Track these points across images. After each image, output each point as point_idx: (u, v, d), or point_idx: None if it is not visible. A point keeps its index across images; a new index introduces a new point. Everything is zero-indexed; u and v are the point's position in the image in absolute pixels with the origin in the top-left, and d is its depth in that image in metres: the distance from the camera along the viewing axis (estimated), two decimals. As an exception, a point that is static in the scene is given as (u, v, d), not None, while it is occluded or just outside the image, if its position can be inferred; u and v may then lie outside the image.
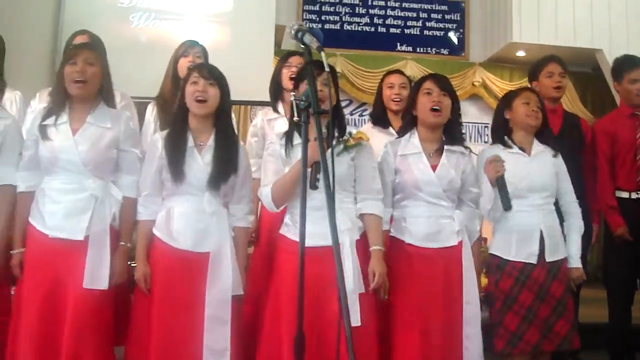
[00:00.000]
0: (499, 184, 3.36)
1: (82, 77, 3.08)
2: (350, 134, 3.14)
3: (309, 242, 2.66)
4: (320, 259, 2.74)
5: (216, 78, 3.16)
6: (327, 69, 2.30)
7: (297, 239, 2.94)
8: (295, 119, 2.39)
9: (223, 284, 3.02)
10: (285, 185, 3.09)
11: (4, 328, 3.13)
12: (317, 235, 2.71)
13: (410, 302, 3.20)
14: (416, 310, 3.17)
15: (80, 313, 2.94)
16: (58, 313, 2.96)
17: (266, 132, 3.99)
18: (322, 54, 2.27)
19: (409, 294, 3.21)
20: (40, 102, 3.91)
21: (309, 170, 2.73)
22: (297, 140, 3.14)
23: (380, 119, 4.31)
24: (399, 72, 4.49)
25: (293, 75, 3.85)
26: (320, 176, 2.72)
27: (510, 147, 3.55)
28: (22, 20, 5.62)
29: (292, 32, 2.42)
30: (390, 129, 4.16)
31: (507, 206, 3.35)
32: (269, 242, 3.43)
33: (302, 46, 2.40)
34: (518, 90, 3.76)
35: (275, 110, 4.04)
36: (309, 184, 2.71)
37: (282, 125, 3.76)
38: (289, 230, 3.14)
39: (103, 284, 2.98)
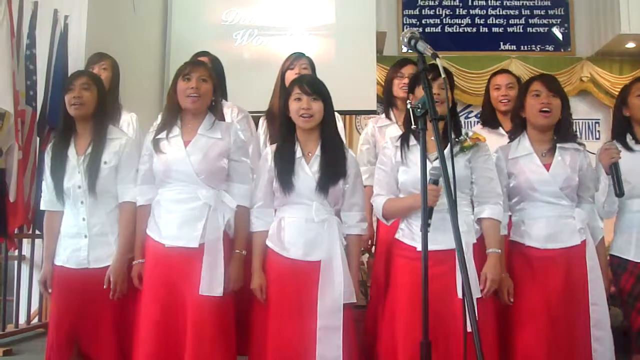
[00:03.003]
0: (613, 170, 3.24)
1: (196, 93, 3.18)
2: (467, 134, 3.12)
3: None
4: (438, 263, 2.75)
5: (318, 92, 3.18)
6: (442, 75, 2.30)
7: (413, 244, 3.01)
8: (413, 126, 2.39)
9: (334, 292, 3.02)
10: (399, 211, 3.15)
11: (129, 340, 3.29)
12: (433, 240, 2.71)
13: (532, 305, 3.13)
14: (538, 313, 3.11)
15: (199, 321, 3.00)
16: (177, 321, 3.03)
17: (377, 140, 4.01)
18: (438, 60, 2.27)
19: (530, 297, 3.14)
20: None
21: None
22: (412, 142, 3.14)
23: (489, 120, 4.27)
24: (505, 71, 4.42)
25: (406, 87, 3.87)
26: (432, 220, 2.76)
27: (631, 149, 3.42)
28: (131, 43, 5.85)
29: (405, 40, 2.43)
30: (500, 129, 4.10)
31: (620, 192, 3.21)
32: (387, 250, 3.43)
33: (417, 53, 2.40)
34: (630, 84, 3.60)
35: (388, 117, 4.06)
36: (420, 225, 2.74)
37: (395, 131, 3.77)
38: (405, 235, 3.13)
39: (218, 290, 3.02)
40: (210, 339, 3.00)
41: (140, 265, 3.19)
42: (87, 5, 5.23)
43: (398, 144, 3.18)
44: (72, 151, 3.31)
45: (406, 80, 3.88)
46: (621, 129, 3.52)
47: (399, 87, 3.99)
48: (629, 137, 3.47)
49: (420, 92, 3.06)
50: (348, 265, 3.10)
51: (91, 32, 5.21)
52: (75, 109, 3.28)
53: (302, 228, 3.10)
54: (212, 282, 3.03)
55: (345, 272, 3.04)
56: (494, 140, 3.69)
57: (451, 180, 2.25)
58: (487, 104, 4.31)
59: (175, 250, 3.08)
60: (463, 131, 3.16)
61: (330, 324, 2.99)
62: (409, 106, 2.43)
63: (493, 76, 4.33)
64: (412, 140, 3.14)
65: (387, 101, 4.15)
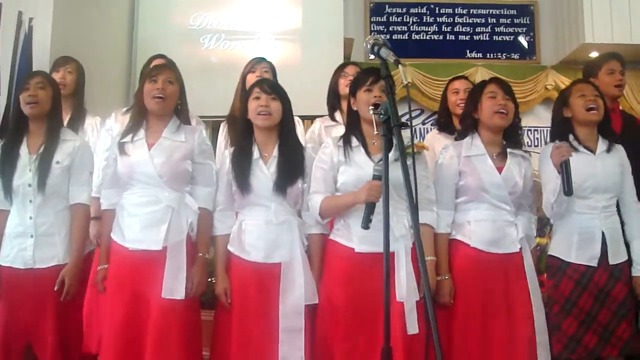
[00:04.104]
0: (564, 168, 3.26)
1: (161, 94, 3.19)
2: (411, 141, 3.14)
3: (364, 248, 2.90)
4: (375, 264, 2.73)
5: (277, 92, 3.23)
6: (404, 81, 2.32)
7: (350, 245, 3.06)
8: (375, 132, 2.41)
9: (296, 294, 3.06)
10: (338, 208, 3.14)
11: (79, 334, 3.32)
12: (371, 242, 2.75)
13: (470, 306, 3.19)
14: (477, 315, 3.16)
15: (162, 323, 3.02)
16: (142, 324, 3.04)
17: (322, 139, 4.04)
18: (400, 67, 2.29)
19: (469, 298, 3.20)
20: (116, 121, 4.04)
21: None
22: (355, 143, 3.16)
23: (446, 125, 4.32)
24: (463, 77, 4.50)
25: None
26: (373, 217, 2.78)
27: (575, 148, 3.44)
28: (97, 47, 5.81)
29: (369, 46, 2.45)
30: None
31: (569, 191, 3.23)
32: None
33: (380, 59, 2.42)
34: (571, 85, 3.66)
35: (333, 118, 4.10)
36: (361, 222, 2.78)
37: (340, 132, 3.80)
38: (341, 236, 3.15)
39: (180, 293, 3.05)
40: (172, 342, 3.01)
41: (105, 270, 3.19)
42: (53, 8, 5.18)
43: (340, 144, 3.19)
44: (24, 150, 3.30)
45: (351, 78, 3.88)
46: (562, 131, 3.55)
47: (345, 86, 4.03)
48: (571, 138, 3.50)
49: (361, 95, 3.12)
50: (310, 265, 3.11)
51: (56, 35, 5.16)
52: (31, 107, 3.28)
53: (262, 230, 3.12)
54: (174, 285, 3.04)
55: (306, 273, 3.07)
56: None
57: (412, 182, 2.28)
58: (443, 109, 4.37)
59: (138, 254, 3.09)
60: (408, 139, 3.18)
61: (293, 326, 3.02)
62: (371, 112, 2.45)
63: (451, 82, 4.42)
64: (355, 142, 3.16)
65: (331, 104, 4.20)
